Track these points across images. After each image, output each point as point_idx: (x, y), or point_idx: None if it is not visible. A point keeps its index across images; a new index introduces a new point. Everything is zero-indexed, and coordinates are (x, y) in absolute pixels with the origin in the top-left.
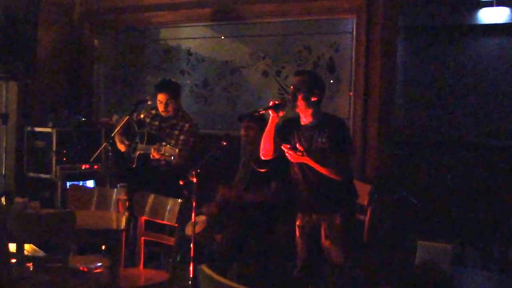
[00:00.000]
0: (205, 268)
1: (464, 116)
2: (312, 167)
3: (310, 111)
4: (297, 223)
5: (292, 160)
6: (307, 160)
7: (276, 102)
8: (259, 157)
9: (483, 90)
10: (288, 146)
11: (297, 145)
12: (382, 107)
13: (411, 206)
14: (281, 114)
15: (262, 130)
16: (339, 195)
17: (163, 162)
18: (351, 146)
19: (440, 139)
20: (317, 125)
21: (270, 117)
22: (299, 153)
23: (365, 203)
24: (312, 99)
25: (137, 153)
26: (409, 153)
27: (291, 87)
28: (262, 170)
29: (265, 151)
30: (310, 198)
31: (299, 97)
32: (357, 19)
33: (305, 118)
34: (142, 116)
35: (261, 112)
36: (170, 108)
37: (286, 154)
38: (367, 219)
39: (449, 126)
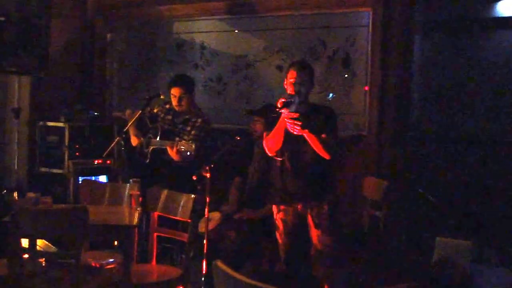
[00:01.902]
0: (220, 264)
1: (483, 111)
2: (299, 155)
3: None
4: (279, 216)
5: (293, 132)
6: (306, 132)
7: (284, 100)
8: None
9: (502, 85)
10: (292, 115)
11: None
12: (398, 102)
13: (428, 203)
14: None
15: (267, 122)
16: (325, 183)
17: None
18: (337, 133)
19: (458, 135)
20: (306, 112)
21: (281, 115)
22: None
23: (380, 199)
24: (309, 93)
25: (151, 148)
26: (426, 149)
27: (293, 79)
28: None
29: (274, 146)
30: (297, 188)
31: (303, 91)
32: (372, 12)
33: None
34: (155, 110)
35: (273, 116)
36: (183, 103)
37: (288, 125)
38: (382, 215)
39: (466, 121)
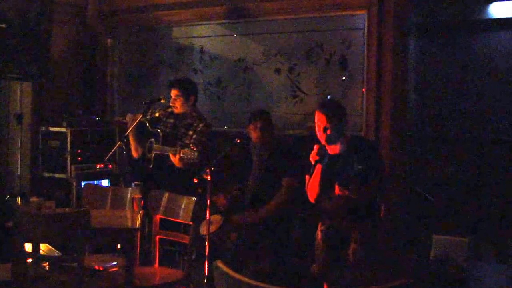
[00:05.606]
0: (220, 264)
1: (477, 111)
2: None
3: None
4: (321, 227)
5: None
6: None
7: (317, 159)
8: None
9: (496, 85)
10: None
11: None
12: (395, 103)
13: (426, 201)
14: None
15: (271, 125)
16: (365, 208)
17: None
18: (383, 171)
19: (453, 134)
20: (346, 151)
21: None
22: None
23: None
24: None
25: (153, 153)
26: (423, 148)
27: (320, 124)
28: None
29: (313, 194)
30: (340, 206)
31: (334, 133)
32: (367, 15)
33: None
34: (157, 114)
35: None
36: (177, 104)
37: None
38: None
39: (462, 121)
